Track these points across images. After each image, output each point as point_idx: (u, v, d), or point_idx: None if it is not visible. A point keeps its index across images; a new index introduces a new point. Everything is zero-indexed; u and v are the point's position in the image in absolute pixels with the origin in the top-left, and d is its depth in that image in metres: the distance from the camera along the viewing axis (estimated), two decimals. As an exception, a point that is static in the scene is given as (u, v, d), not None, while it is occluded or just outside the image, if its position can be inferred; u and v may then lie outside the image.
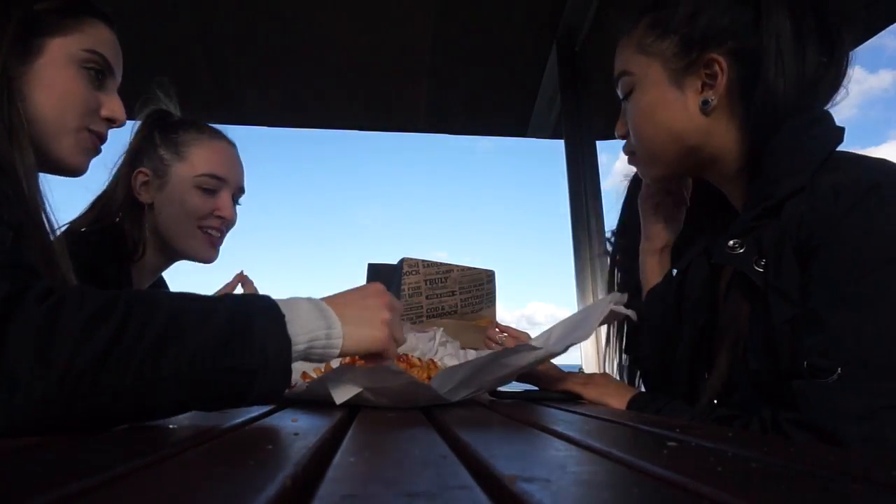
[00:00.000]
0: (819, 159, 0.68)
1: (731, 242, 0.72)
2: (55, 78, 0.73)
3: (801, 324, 0.63)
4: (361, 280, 1.68)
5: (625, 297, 0.91)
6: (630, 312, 0.89)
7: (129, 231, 1.14)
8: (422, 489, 0.28)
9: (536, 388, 1.03)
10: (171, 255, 1.20)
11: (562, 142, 2.28)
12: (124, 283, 1.11)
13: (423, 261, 1.48)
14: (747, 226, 0.71)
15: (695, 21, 0.77)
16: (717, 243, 0.74)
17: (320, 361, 0.64)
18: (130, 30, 0.82)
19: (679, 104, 0.78)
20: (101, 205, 1.16)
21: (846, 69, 0.75)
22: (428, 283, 1.47)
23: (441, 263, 1.49)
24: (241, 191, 1.25)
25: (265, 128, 2.75)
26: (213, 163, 1.19)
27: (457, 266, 1.51)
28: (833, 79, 0.74)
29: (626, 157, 0.91)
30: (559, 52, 2.23)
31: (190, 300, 0.52)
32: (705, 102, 0.76)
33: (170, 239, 1.17)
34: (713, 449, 0.43)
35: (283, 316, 0.55)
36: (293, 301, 0.60)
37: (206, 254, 1.19)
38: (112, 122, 0.81)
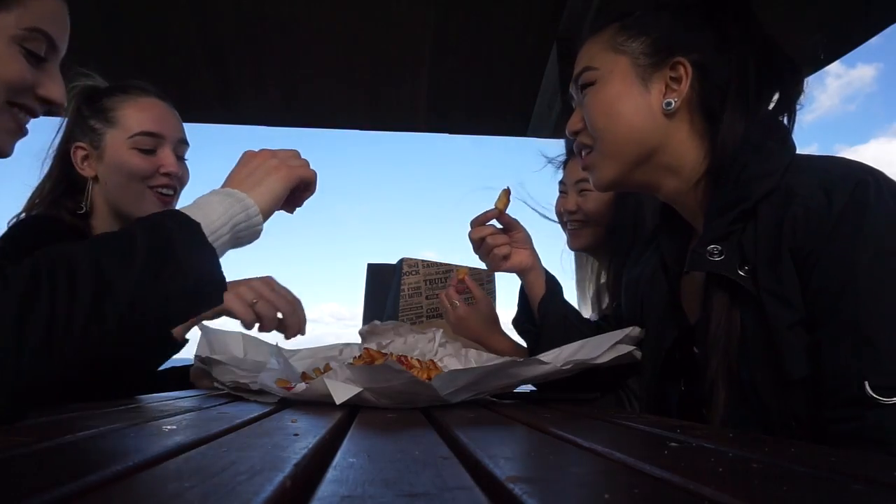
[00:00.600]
0: (785, 163, 0.70)
1: (710, 248, 0.71)
2: None
3: (835, 337, 0.62)
4: (355, 279, 1.69)
5: (642, 332, 0.89)
6: (638, 354, 0.88)
7: (68, 208, 1.13)
8: (422, 490, 0.28)
9: (536, 389, 1.03)
10: (127, 221, 1.17)
11: (563, 141, 2.28)
12: None
13: (422, 261, 1.48)
14: (724, 230, 0.70)
15: (667, 28, 0.79)
16: (693, 252, 0.73)
17: (253, 236, 0.68)
18: (130, 29, 0.80)
19: (643, 100, 0.79)
20: (39, 189, 1.16)
21: (797, 96, 0.78)
22: (428, 283, 1.46)
23: (441, 263, 1.49)
24: (183, 143, 1.22)
25: (264, 127, 2.75)
26: (144, 120, 1.16)
27: (457, 266, 1.50)
28: (786, 107, 0.78)
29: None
30: (559, 52, 2.23)
31: (104, 244, 0.54)
32: (668, 104, 0.77)
33: (122, 206, 1.15)
34: (714, 450, 0.43)
35: (197, 224, 0.59)
36: (203, 200, 0.64)
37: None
38: (49, 104, 0.72)
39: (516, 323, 1.15)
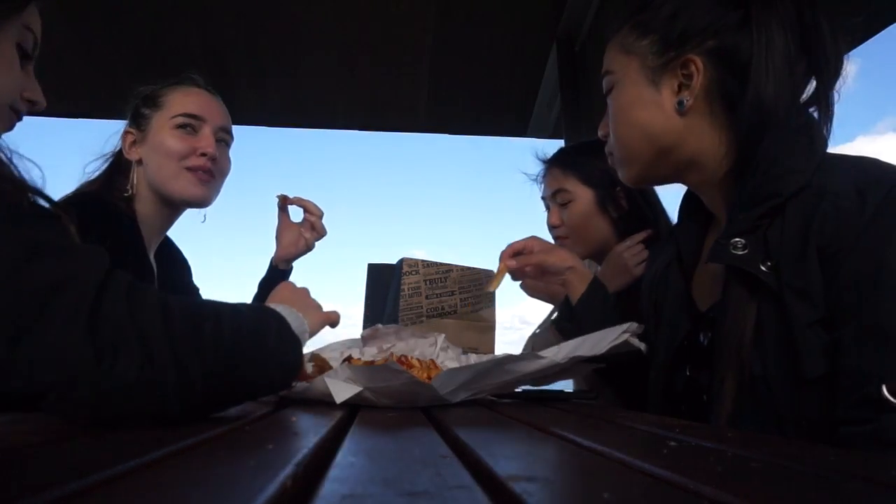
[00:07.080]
0: (817, 160, 0.68)
1: (734, 241, 0.70)
2: None
3: (856, 337, 0.61)
4: (354, 279, 1.68)
5: (641, 327, 0.87)
6: (642, 346, 0.86)
7: (118, 188, 1.18)
8: (422, 489, 0.28)
9: (537, 388, 1.03)
10: (166, 204, 1.21)
11: (562, 141, 2.28)
12: (136, 242, 1.15)
13: (422, 261, 1.48)
14: (750, 224, 0.69)
15: (674, 20, 0.77)
16: (716, 244, 0.72)
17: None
18: (130, 29, 0.81)
19: (654, 103, 0.78)
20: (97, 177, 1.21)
21: (833, 80, 0.73)
22: (428, 282, 1.46)
23: (441, 263, 1.49)
24: (226, 133, 1.26)
25: (265, 127, 2.75)
26: (186, 104, 1.21)
27: (456, 266, 1.50)
28: (818, 90, 0.74)
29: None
30: (559, 52, 2.23)
31: (246, 316, 0.61)
32: (680, 103, 0.76)
33: (159, 185, 1.19)
34: (713, 449, 0.43)
35: (289, 327, 0.67)
36: (282, 310, 0.71)
37: (194, 191, 1.19)
38: (33, 105, 0.77)
39: (557, 322, 1.11)
